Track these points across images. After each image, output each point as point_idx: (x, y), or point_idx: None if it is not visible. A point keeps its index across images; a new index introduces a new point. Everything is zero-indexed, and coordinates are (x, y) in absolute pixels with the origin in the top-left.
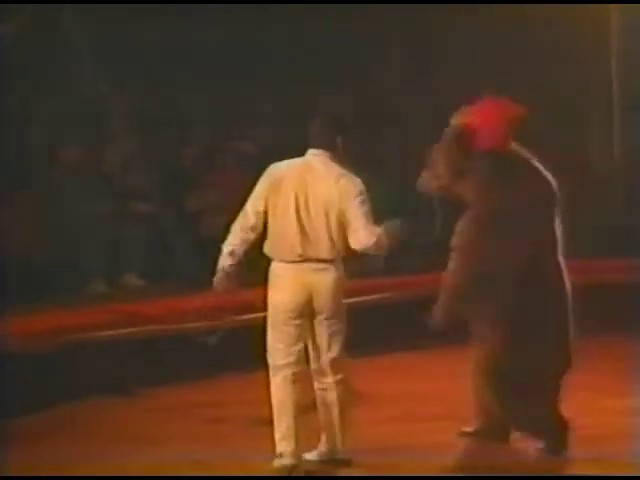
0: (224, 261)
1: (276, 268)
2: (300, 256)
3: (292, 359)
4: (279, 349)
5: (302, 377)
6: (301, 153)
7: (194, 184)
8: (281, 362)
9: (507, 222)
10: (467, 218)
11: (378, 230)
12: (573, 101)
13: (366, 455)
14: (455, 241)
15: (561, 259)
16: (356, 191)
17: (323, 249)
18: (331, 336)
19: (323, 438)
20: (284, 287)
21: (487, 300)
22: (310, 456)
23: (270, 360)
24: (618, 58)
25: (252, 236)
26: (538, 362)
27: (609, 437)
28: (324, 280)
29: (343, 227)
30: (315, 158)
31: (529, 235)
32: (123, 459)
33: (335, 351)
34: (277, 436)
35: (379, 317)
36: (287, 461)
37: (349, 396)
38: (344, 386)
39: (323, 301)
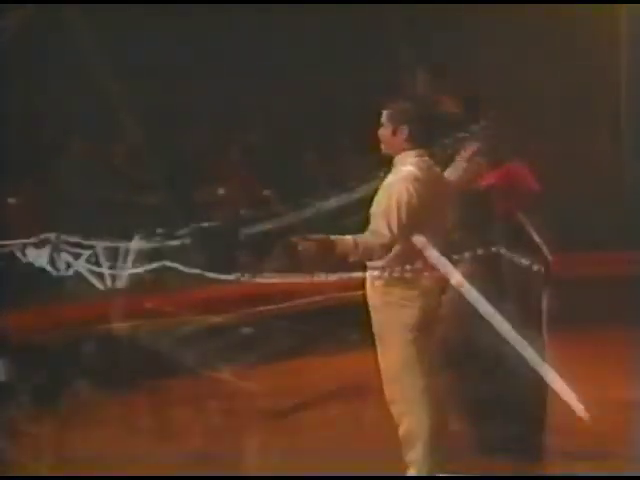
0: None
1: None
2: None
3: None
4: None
5: None
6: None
7: (202, 176)
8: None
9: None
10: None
11: None
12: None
13: None
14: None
15: (544, 333)
16: None
17: None
18: None
19: None
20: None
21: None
22: None
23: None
24: (628, 59)
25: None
26: None
27: (612, 431)
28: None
29: None
30: (428, 161)
31: (518, 310)
32: (130, 452)
33: None
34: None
35: None
36: None
37: None
38: None
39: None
